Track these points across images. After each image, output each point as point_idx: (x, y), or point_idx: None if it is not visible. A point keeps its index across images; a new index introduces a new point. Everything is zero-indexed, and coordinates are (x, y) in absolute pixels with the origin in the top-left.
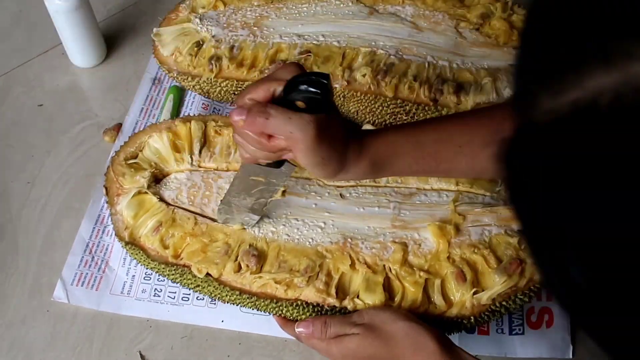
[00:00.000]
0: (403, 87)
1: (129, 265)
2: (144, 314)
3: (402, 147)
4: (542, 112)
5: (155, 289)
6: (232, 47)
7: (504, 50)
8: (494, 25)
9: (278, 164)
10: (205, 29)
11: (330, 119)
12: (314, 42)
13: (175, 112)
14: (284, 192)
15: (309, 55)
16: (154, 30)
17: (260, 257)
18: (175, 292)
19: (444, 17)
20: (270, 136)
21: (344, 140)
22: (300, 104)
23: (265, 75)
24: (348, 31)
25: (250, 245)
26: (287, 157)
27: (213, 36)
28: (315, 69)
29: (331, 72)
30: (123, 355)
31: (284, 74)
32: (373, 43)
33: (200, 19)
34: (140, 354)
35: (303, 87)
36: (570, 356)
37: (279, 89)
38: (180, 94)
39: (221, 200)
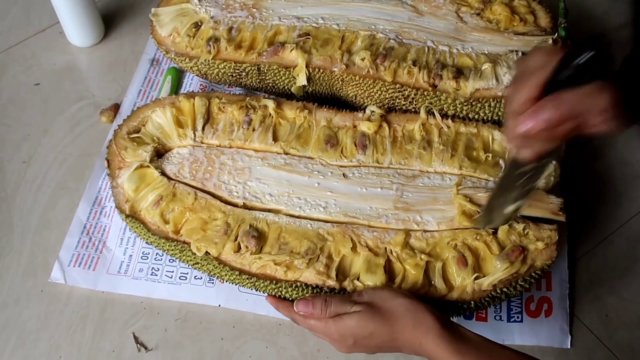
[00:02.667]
0: (402, 72)
1: (127, 245)
2: (141, 292)
3: None
4: None
5: (153, 268)
6: (230, 29)
7: (504, 35)
8: (495, 11)
9: None
10: (204, 10)
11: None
12: (313, 24)
13: (174, 94)
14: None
15: (308, 38)
16: (152, 10)
17: (260, 238)
18: (172, 272)
19: (445, 1)
20: (556, 125)
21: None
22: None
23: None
24: (348, 14)
25: (250, 226)
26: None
27: (212, 17)
28: (314, 52)
29: (330, 55)
30: (117, 336)
31: (537, 62)
32: (373, 27)
33: (199, 0)
34: (134, 336)
35: (576, 60)
36: (568, 346)
37: (543, 78)
38: (178, 76)
39: (485, 208)
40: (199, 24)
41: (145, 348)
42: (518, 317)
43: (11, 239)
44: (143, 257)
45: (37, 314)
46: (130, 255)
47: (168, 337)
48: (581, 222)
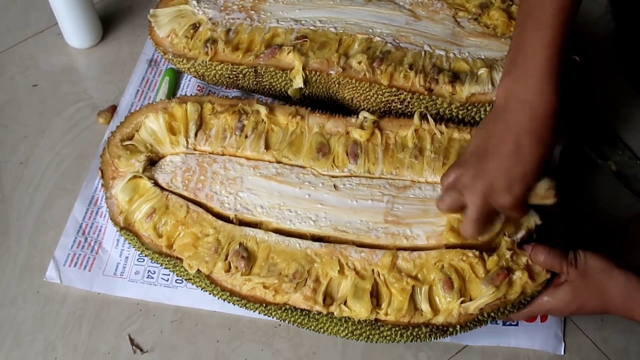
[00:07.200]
0: (398, 76)
1: (122, 246)
2: (137, 295)
3: None
4: None
5: (149, 270)
6: (228, 31)
7: (501, 40)
8: (492, 16)
9: None
10: (202, 12)
11: None
12: (311, 27)
13: (171, 95)
14: None
15: (305, 41)
16: (151, 11)
17: (250, 258)
18: (168, 275)
19: (443, 5)
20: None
21: None
22: None
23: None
24: (345, 17)
25: (240, 245)
26: None
27: (210, 19)
28: (311, 55)
29: (326, 58)
30: (112, 338)
31: None
32: (370, 30)
33: (198, 1)
34: (130, 338)
35: None
36: (562, 353)
37: None
38: (176, 77)
39: None
40: (197, 25)
41: (141, 350)
42: (514, 321)
43: (7, 239)
44: (139, 259)
45: (33, 315)
46: (127, 257)
47: (164, 339)
48: (577, 226)
